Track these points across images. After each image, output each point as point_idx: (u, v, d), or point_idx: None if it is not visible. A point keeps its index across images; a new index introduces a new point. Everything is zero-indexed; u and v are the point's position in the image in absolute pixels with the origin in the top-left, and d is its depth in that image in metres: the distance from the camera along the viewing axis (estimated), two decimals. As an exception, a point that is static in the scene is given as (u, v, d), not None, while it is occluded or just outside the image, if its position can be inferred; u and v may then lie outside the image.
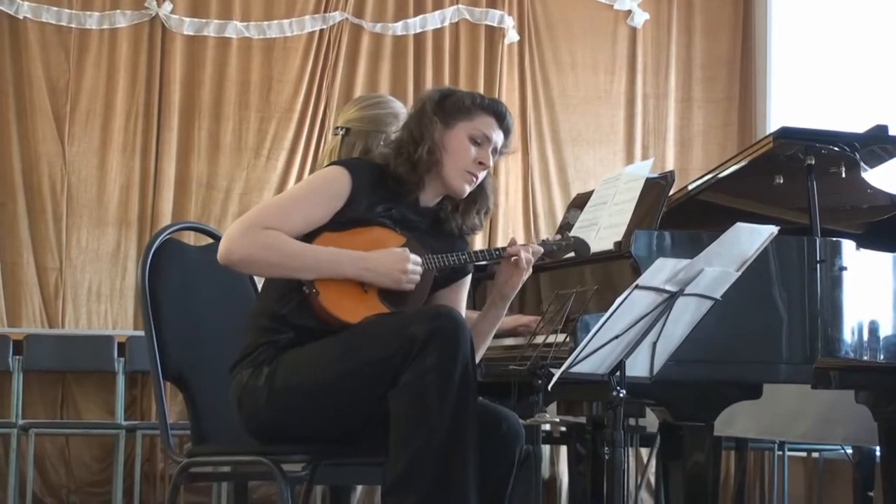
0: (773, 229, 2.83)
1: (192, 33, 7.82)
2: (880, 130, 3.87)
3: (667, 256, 2.82)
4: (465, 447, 2.87)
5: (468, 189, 3.23)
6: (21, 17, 7.61)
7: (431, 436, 2.83)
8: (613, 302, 2.69)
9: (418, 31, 8.09)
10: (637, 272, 3.23)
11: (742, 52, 8.43)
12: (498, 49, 8.13)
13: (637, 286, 2.70)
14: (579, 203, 3.95)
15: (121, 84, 7.71)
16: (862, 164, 3.87)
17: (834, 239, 3.55)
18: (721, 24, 8.45)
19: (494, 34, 8.18)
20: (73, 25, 7.68)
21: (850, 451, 5.27)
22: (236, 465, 3.45)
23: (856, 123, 4.06)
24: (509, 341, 3.51)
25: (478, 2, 8.17)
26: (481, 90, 7.65)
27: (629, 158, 8.19)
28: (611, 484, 2.89)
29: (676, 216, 3.88)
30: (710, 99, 8.40)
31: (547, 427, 4.86)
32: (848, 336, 3.50)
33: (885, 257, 3.69)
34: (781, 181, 3.92)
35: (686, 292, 2.77)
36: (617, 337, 2.74)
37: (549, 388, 2.76)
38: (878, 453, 4.38)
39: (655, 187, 3.60)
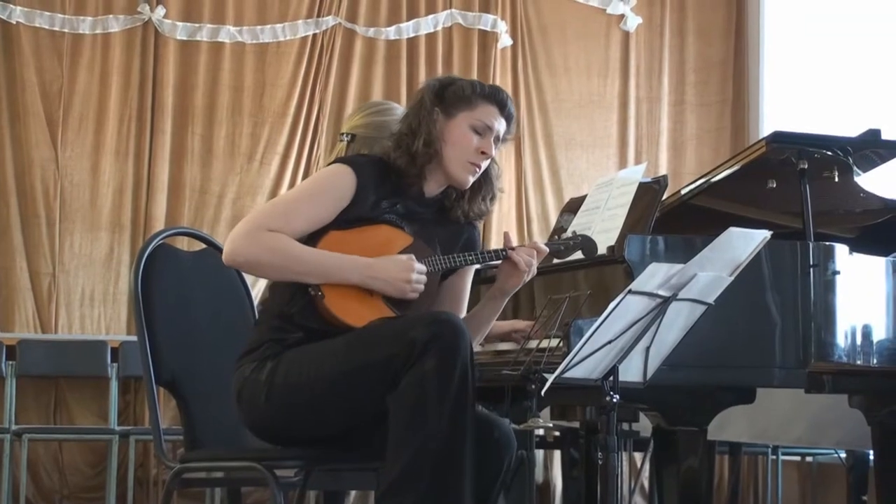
0: (766, 234, 2.83)
1: (185, 38, 7.82)
2: (873, 135, 3.87)
3: (660, 261, 2.82)
4: (463, 452, 2.87)
5: (471, 179, 3.22)
6: (14, 22, 7.60)
7: (429, 439, 2.84)
8: (607, 307, 2.69)
9: (411, 35, 8.09)
10: (630, 277, 3.23)
11: (735, 55, 8.44)
12: (491, 53, 8.14)
13: (630, 291, 2.69)
14: (572, 208, 3.94)
15: (114, 89, 7.70)
16: (855, 168, 3.87)
17: (827, 243, 3.55)
18: (714, 27, 8.46)
19: (487, 38, 8.19)
20: (66, 30, 7.68)
21: (843, 455, 5.27)
22: (229, 470, 3.44)
23: (849, 127, 4.05)
24: (502, 346, 3.50)
25: (471, 6, 8.18)
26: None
27: (622, 162, 8.19)
28: (604, 489, 2.89)
29: (670, 220, 3.88)
30: (703, 102, 8.41)
31: (540, 432, 4.86)
32: (841, 340, 3.50)
33: (878, 261, 3.69)
34: (774, 185, 3.92)
35: (679, 297, 2.77)
36: (610, 342, 2.73)
37: (543, 392, 2.75)
38: (871, 457, 4.38)
39: (649, 192, 3.59)
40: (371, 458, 3.06)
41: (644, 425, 4.09)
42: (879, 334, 3.61)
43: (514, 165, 8.03)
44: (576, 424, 4.65)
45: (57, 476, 7.37)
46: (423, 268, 3.11)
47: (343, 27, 7.99)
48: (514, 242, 3.22)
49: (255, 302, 3.69)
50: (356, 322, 3.04)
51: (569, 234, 3.31)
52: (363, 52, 8.04)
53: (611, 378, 2.80)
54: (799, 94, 7.85)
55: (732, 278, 2.83)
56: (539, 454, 7.28)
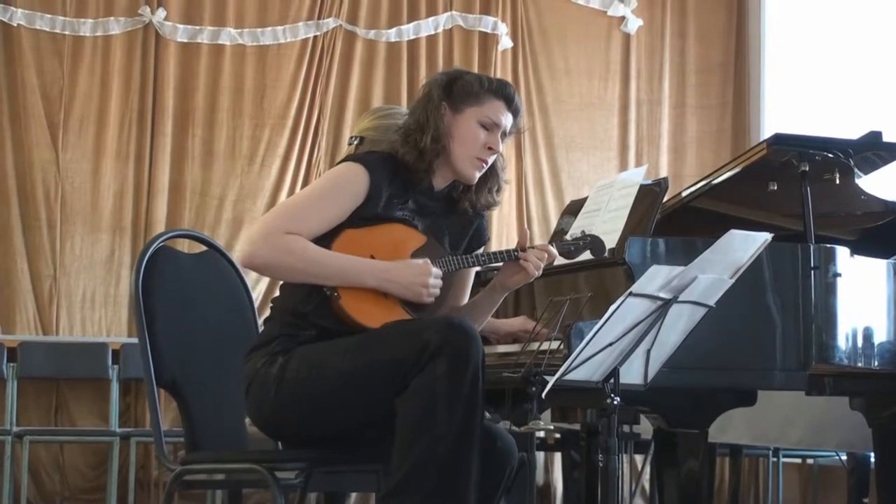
0: (766, 236, 2.83)
1: (185, 40, 7.82)
2: (874, 137, 3.86)
3: (661, 263, 2.81)
4: (469, 458, 2.87)
5: (478, 175, 3.24)
6: (15, 25, 7.61)
7: (436, 443, 2.84)
8: (607, 309, 2.69)
9: (412, 37, 8.09)
10: (631, 279, 3.23)
11: (736, 57, 8.44)
12: (491, 55, 8.14)
13: (631, 293, 2.69)
14: (573, 210, 3.94)
15: (114, 91, 7.71)
16: (856, 170, 3.86)
17: (828, 245, 3.54)
18: (714, 29, 8.46)
19: (488, 40, 8.20)
20: (66, 32, 7.68)
21: (844, 457, 5.27)
22: (230, 472, 3.44)
23: (850, 129, 4.05)
24: (503, 349, 3.50)
25: (471, 8, 8.18)
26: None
27: (623, 164, 8.19)
28: (605, 491, 2.89)
29: (670, 223, 3.87)
30: (703, 105, 8.41)
31: (541, 434, 4.87)
32: (842, 342, 3.50)
33: (879, 263, 3.69)
34: (775, 187, 3.92)
35: (680, 299, 2.76)
36: (611, 344, 2.73)
37: (544, 395, 2.75)
38: (872, 459, 4.38)
39: (649, 194, 3.59)
40: (372, 459, 3.06)
41: (645, 427, 4.09)
42: (880, 337, 3.61)
43: (515, 167, 8.03)
44: (576, 427, 4.65)
45: (58, 478, 7.37)
46: (439, 272, 3.13)
47: (343, 29, 7.99)
48: (530, 242, 3.22)
49: (256, 304, 3.70)
50: (371, 323, 3.05)
51: (577, 234, 3.31)
52: (364, 54, 8.04)
53: (611, 380, 2.80)
54: (800, 97, 7.84)
55: (733, 281, 2.82)
56: (540, 456, 7.29)
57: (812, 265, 3.48)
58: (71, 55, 7.69)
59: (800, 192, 3.69)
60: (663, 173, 7.98)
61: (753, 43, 8.37)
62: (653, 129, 8.37)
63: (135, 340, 6.17)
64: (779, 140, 3.70)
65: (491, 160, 3.25)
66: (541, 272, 3.22)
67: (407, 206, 3.19)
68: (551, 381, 2.71)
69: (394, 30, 8.06)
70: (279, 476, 3.06)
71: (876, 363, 3.59)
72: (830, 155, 3.75)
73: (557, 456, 7.08)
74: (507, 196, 8.00)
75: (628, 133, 8.32)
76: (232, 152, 7.81)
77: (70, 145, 7.63)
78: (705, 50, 8.45)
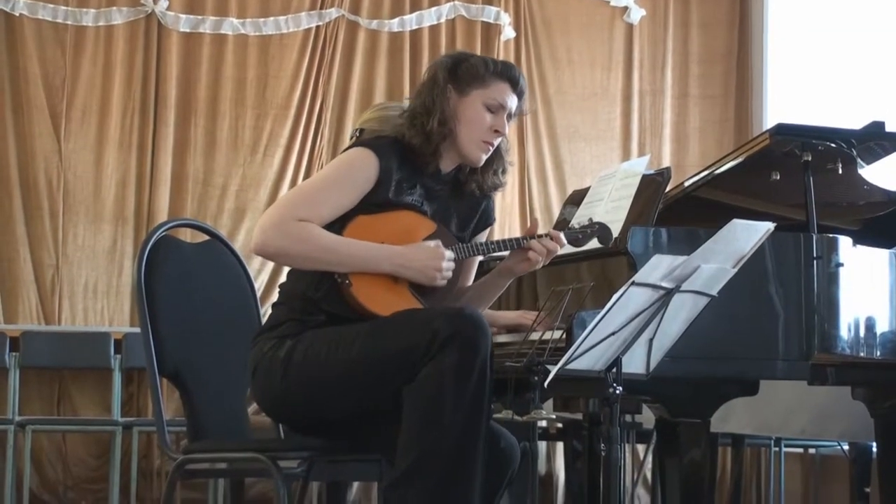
0: (769, 226, 2.82)
1: (188, 30, 7.81)
2: (877, 127, 3.86)
3: (663, 253, 2.81)
4: (475, 450, 2.87)
5: (484, 157, 3.25)
6: (17, 14, 7.60)
7: (443, 434, 2.84)
8: (610, 298, 2.69)
9: (414, 27, 8.08)
10: (633, 269, 3.23)
11: (738, 47, 8.42)
12: (494, 45, 8.12)
13: (633, 283, 2.69)
14: (575, 200, 3.94)
15: (117, 81, 7.70)
16: (859, 160, 3.86)
17: (830, 235, 3.54)
18: (717, 19, 8.45)
19: (491, 31, 8.18)
20: (69, 22, 7.68)
21: (846, 447, 5.27)
22: (232, 461, 3.45)
23: (852, 119, 4.05)
24: (504, 338, 3.51)
25: (474, -2, 8.18)
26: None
27: (626, 155, 8.18)
28: (607, 480, 2.88)
29: (673, 212, 3.87)
30: (706, 95, 8.40)
31: (543, 424, 4.87)
32: (844, 332, 3.50)
33: (881, 253, 3.69)
34: (778, 177, 3.92)
35: (682, 289, 2.76)
36: (613, 333, 2.73)
37: (546, 384, 2.75)
38: (874, 449, 4.38)
39: (652, 184, 3.59)
40: (375, 449, 3.06)
41: (647, 417, 4.08)
42: (882, 326, 3.61)
43: (518, 157, 8.01)
44: (579, 416, 4.65)
45: (60, 467, 7.38)
46: (451, 255, 3.13)
47: (346, 19, 7.98)
48: (541, 230, 3.23)
49: (259, 294, 3.70)
50: (381, 311, 3.05)
51: (585, 221, 3.30)
52: (366, 44, 8.03)
53: (614, 370, 2.80)
54: (802, 86, 7.83)
55: (736, 270, 2.82)
56: (542, 446, 7.28)
57: (814, 255, 3.48)
58: (73, 45, 7.68)
59: (802, 182, 3.69)
60: (666, 163, 7.97)
61: (756, 33, 8.36)
62: (655, 119, 8.36)
63: (137, 330, 6.15)
64: (781, 130, 3.70)
65: (497, 142, 3.25)
66: (549, 260, 3.23)
67: (416, 190, 3.20)
68: (553, 370, 2.72)
69: (396, 20, 8.05)
70: (281, 465, 3.07)
71: (878, 353, 3.60)
72: (833, 145, 3.75)
73: (559, 445, 7.08)
74: (510, 186, 7.99)
75: (631, 123, 8.31)
76: (234, 142, 7.81)
77: (72, 135, 7.63)
78: (708, 40, 8.44)
